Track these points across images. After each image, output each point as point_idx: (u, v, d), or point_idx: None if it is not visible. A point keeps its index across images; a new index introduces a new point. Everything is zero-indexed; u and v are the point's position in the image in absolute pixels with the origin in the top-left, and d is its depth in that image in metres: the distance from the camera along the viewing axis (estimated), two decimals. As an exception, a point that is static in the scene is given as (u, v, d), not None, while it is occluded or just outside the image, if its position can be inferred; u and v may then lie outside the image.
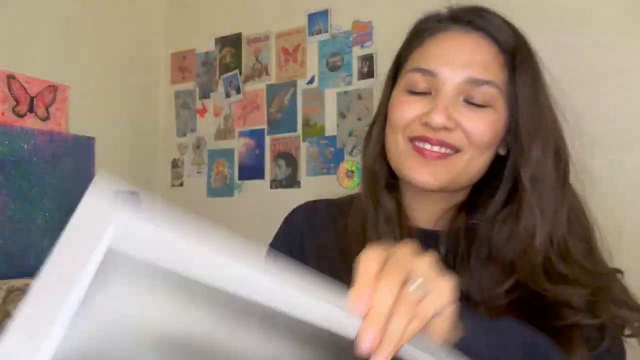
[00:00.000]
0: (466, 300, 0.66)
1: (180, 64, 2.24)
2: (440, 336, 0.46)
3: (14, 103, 1.68)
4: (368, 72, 1.77)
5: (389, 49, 1.89)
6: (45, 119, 1.77)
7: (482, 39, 0.69)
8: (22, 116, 1.71)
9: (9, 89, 1.67)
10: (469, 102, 0.67)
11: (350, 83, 1.81)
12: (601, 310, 0.62)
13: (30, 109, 1.73)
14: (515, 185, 0.69)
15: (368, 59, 1.77)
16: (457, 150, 0.67)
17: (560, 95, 0.72)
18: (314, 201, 0.85)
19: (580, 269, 0.64)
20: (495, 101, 0.67)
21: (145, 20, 2.22)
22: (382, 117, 0.75)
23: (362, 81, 1.78)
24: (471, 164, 0.69)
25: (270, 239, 0.85)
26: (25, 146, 1.70)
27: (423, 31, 0.74)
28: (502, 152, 0.72)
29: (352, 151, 1.80)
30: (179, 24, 2.26)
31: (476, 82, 0.66)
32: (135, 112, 2.15)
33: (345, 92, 1.82)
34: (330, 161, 1.84)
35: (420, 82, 0.69)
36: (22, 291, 1.60)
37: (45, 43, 1.79)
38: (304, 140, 1.90)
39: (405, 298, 0.38)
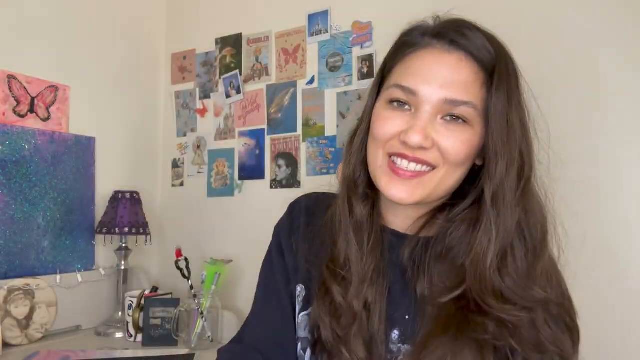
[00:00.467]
0: (422, 301, 0.71)
1: (181, 64, 2.24)
2: None
3: (15, 103, 1.69)
4: (368, 73, 1.77)
5: (388, 50, 1.90)
6: (45, 119, 1.78)
7: (463, 57, 0.70)
8: (22, 116, 1.71)
9: (10, 89, 1.67)
10: (447, 120, 0.69)
11: (350, 83, 1.81)
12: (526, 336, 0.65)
13: (31, 109, 1.74)
14: (480, 196, 0.72)
15: (368, 60, 1.77)
16: (432, 167, 0.70)
17: (536, 109, 0.74)
18: (323, 193, 0.89)
19: (516, 286, 0.67)
20: (472, 120, 0.69)
21: (145, 21, 2.22)
22: (365, 125, 0.77)
23: (362, 81, 1.78)
24: (446, 179, 0.71)
25: (270, 238, 0.87)
26: (26, 146, 1.71)
27: (406, 45, 0.75)
28: (479, 162, 0.74)
29: (352, 151, 1.80)
30: (179, 24, 2.27)
31: (454, 103, 0.68)
32: (135, 112, 2.15)
33: (345, 93, 1.82)
34: (330, 161, 1.85)
35: (401, 98, 0.71)
36: (23, 291, 1.60)
37: (45, 43, 1.79)
38: (304, 140, 1.90)
39: None
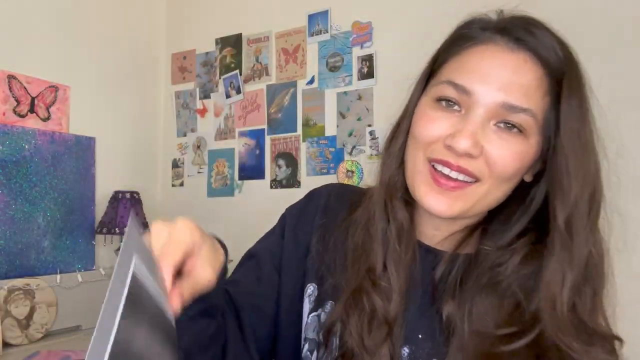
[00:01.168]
0: (447, 325, 0.65)
1: (181, 64, 2.24)
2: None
3: (15, 103, 1.69)
4: (368, 73, 1.77)
5: (388, 49, 1.90)
6: (46, 119, 1.78)
7: (528, 59, 0.62)
8: (23, 116, 1.71)
9: (10, 89, 1.67)
10: (500, 127, 0.61)
11: (350, 83, 1.81)
12: None
13: (31, 109, 1.74)
14: (538, 219, 0.64)
15: (368, 60, 1.77)
16: (476, 179, 0.63)
17: (605, 126, 0.65)
18: (349, 187, 0.83)
19: (591, 324, 0.60)
20: (529, 130, 0.61)
21: (145, 21, 2.22)
22: (406, 123, 0.70)
23: (362, 81, 1.78)
24: (489, 194, 0.64)
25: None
26: (26, 146, 1.71)
27: (463, 38, 0.67)
28: (527, 179, 0.67)
29: (351, 151, 1.80)
30: (179, 24, 2.27)
31: (512, 109, 0.60)
32: (135, 112, 2.15)
33: (345, 92, 1.82)
34: (330, 161, 1.85)
35: (452, 97, 0.63)
36: (23, 291, 1.61)
37: (46, 43, 1.79)
38: (304, 140, 1.90)
39: None
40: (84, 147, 1.89)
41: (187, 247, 0.50)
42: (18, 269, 1.66)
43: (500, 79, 0.61)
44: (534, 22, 0.64)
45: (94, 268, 1.88)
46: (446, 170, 0.62)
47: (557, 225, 0.61)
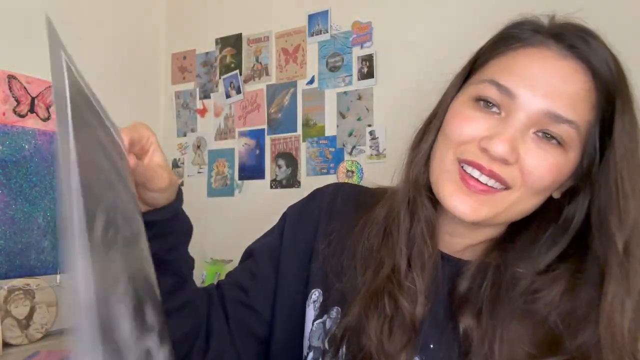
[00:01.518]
0: (464, 339, 0.62)
1: (181, 64, 2.24)
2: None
3: (15, 103, 1.69)
4: (368, 73, 1.77)
5: (388, 49, 1.90)
6: (46, 119, 1.78)
7: (579, 68, 0.59)
8: (23, 116, 1.71)
9: (10, 89, 1.67)
10: (539, 136, 0.58)
11: (350, 83, 1.81)
12: None
13: (31, 109, 1.74)
14: (583, 241, 0.61)
15: (368, 60, 1.77)
16: (506, 186, 0.59)
17: None
18: (357, 187, 0.80)
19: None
20: (569, 144, 0.58)
21: (145, 21, 2.22)
22: (439, 120, 0.66)
23: (362, 81, 1.78)
24: (517, 205, 0.61)
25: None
26: (26, 146, 1.71)
27: (512, 38, 0.63)
28: (556, 195, 0.64)
29: (351, 151, 1.80)
30: (179, 24, 2.27)
31: (556, 119, 0.57)
32: (135, 112, 2.15)
33: (345, 93, 1.82)
34: (330, 161, 1.85)
35: (493, 98, 0.60)
36: (23, 291, 1.60)
37: (45, 43, 1.79)
38: (304, 140, 1.90)
39: None
40: (84, 147, 1.89)
41: (145, 131, 0.56)
42: (18, 269, 1.66)
43: (548, 86, 0.57)
44: (589, 31, 0.61)
45: (94, 268, 1.88)
46: (476, 174, 0.59)
47: (616, 251, 0.57)
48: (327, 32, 1.87)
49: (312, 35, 1.90)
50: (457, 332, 0.63)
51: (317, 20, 1.89)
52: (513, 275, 0.62)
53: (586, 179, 0.62)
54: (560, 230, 0.63)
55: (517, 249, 0.65)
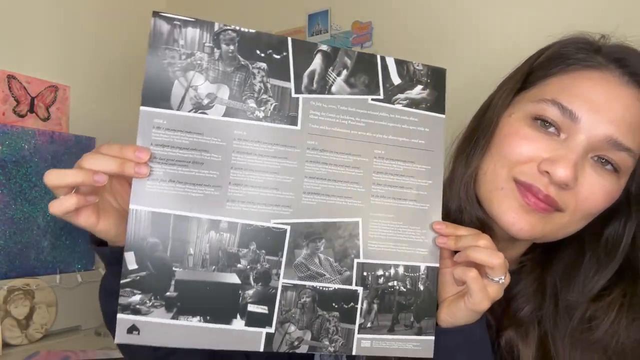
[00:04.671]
0: (508, 351, 0.63)
1: (181, 64, 2.24)
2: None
3: (15, 103, 1.69)
4: (368, 72, 1.77)
5: (388, 49, 1.90)
6: (45, 119, 1.78)
7: (639, 97, 0.59)
8: (22, 116, 1.71)
9: (10, 89, 1.67)
10: (595, 161, 0.58)
11: (350, 83, 1.81)
12: None
13: (31, 109, 1.74)
14: (628, 263, 0.62)
15: (368, 59, 1.77)
16: (558, 209, 0.60)
17: None
18: None
19: None
20: (623, 171, 0.59)
21: (145, 21, 2.22)
22: (487, 133, 0.63)
23: (362, 81, 1.78)
24: (566, 227, 0.61)
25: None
26: (26, 146, 1.71)
27: (571, 58, 0.62)
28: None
29: (352, 151, 1.80)
30: (179, 24, 2.26)
31: (617, 146, 0.57)
32: (135, 112, 2.14)
33: (345, 92, 1.82)
34: (330, 161, 1.84)
35: (553, 119, 0.59)
36: (22, 291, 1.60)
37: (45, 43, 1.79)
38: (304, 140, 1.90)
39: None
40: (84, 147, 1.88)
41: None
42: (18, 269, 1.66)
43: (612, 112, 0.57)
44: None
45: (94, 268, 1.88)
46: (534, 190, 0.59)
47: None
48: (327, 32, 1.86)
49: (312, 35, 1.90)
50: (496, 342, 0.63)
51: (317, 20, 1.89)
52: (567, 302, 0.63)
53: (635, 202, 0.63)
54: (604, 252, 0.63)
55: (559, 270, 0.65)
